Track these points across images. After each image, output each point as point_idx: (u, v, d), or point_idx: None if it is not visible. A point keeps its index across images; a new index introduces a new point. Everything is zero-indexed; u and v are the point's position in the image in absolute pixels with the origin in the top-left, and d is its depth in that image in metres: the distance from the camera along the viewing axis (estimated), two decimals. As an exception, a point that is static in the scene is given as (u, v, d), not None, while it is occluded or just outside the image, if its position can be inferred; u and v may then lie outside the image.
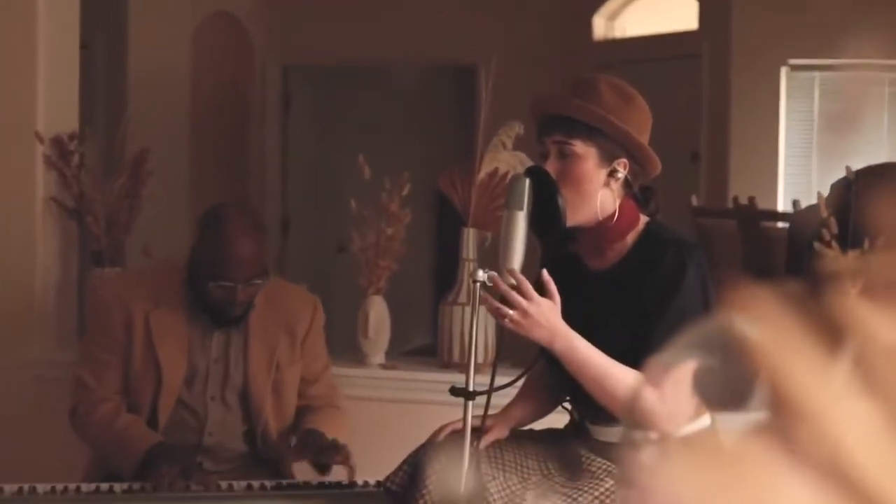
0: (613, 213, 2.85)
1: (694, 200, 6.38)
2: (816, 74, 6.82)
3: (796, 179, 6.80)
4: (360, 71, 8.16)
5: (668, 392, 2.76)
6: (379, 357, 4.27)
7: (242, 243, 3.42)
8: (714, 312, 2.57)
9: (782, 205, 6.75)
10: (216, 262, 3.42)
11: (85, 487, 3.34)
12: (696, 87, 6.97)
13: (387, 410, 4.17)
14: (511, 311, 2.75)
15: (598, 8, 7.57)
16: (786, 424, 0.97)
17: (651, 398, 2.73)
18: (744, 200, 6.12)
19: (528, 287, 2.75)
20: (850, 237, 3.76)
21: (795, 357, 0.91)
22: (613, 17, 7.68)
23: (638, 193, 2.91)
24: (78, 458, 3.82)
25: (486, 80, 4.08)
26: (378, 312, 4.24)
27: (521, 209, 2.81)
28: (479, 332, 4.09)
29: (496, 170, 4.10)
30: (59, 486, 3.30)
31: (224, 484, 3.36)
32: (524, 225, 2.81)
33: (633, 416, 2.70)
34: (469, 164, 4.13)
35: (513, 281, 2.75)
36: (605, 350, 2.85)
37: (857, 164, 4.30)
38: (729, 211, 6.16)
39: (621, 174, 2.84)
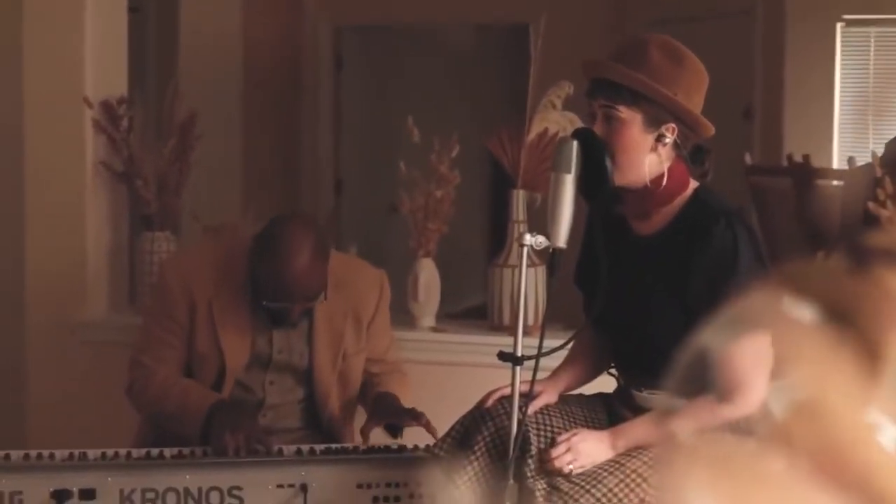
0: (661, 178, 2.82)
1: (748, 158, 6.29)
2: (872, 30, 6.70)
3: (852, 137, 6.70)
4: (412, 31, 8.11)
5: (742, 384, 2.73)
6: (429, 320, 4.26)
7: (297, 268, 3.33)
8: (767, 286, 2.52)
9: (837, 163, 6.65)
10: (270, 284, 3.38)
11: (135, 453, 3.36)
12: (750, 44, 6.86)
13: (437, 373, 4.16)
14: (572, 463, 2.80)
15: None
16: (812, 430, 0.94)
17: (728, 415, 2.74)
18: (798, 158, 6.03)
19: (560, 442, 2.83)
20: (905, 197, 3.70)
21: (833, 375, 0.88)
22: (666, -27, 7.58)
23: (689, 155, 2.87)
24: (129, 422, 3.84)
25: (535, 39, 4.04)
26: (428, 275, 4.22)
27: (569, 172, 2.79)
28: (529, 294, 4.08)
29: (546, 130, 4.07)
30: (110, 452, 3.32)
31: (274, 448, 3.36)
32: (572, 188, 2.79)
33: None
34: (518, 124, 4.09)
35: (553, 451, 2.82)
36: (654, 318, 2.82)
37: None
38: (783, 169, 6.06)
39: (669, 139, 2.81)
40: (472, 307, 6.51)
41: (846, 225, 4.22)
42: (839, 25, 6.72)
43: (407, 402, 3.54)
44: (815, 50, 6.70)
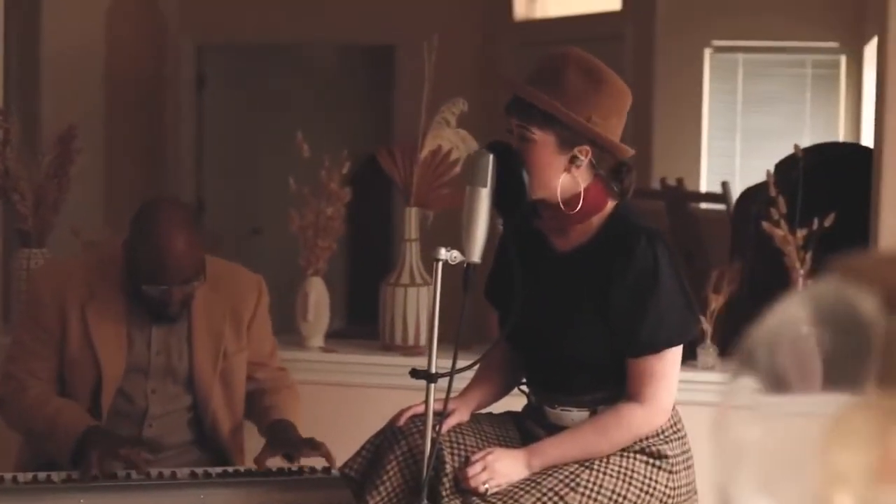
0: (577, 198, 2.79)
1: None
2: (740, 56, 6.83)
3: (720, 160, 6.81)
4: (275, 50, 8.03)
5: (657, 391, 2.77)
6: (318, 340, 4.17)
7: (175, 246, 3.26)
8: (691, 302, 2.53)
9: (706, 186, 6.76)
10: (148, 265, 3.29)
11: (22, 477, 3.21)
12: (619, 69, 6.92)
13: (327, 394, 4.07)
14: (487, 483, 2.76)
15: (519, -12, 7.51)
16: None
17: (640, 423, 2.76)
18: (671, 182, 6.11)
19: (474, 461, 2.79)
20: (798, 216, 3.74)
21: None
22: (535, -3, 7.63)
23: (611, 171, 2.84)
24: (5, 447, 3.68)
25: (429, 56, 3.99)
26: (318, 294, 4.14)
27: (485, 185, 2.75)
28: (424, 313, 4.03)
29: (439, 147, 4.02)
30: (-6, 476, 3.17)
31: (167, 471, 3.25)
32: (487, 201, 2.74)
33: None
34: (412, 141, 4.04)
35: (469, 470, 2.77)
36: (572, 335, 2.80)
37: (780, 145, 4.29)
38: (657, 192, 6.14)
39: (582, 161, 2.77)
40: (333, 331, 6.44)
41: (737, 245, 4.25)
42: (707, 51, 6.83)
43: (300, 421, 3.47)
44: (684, 75, 6.81)
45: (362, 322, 5.21)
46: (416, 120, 4.03)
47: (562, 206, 2.77)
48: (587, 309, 2.80)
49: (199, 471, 3.26)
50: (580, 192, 2.78)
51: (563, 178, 2.76)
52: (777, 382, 1.03)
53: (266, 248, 7.76)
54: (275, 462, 3.35)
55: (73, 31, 6.58)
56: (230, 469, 3.31)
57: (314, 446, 3.29)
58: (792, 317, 1.04)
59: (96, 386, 3.42)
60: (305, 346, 4.15)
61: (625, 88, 2.81)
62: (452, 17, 7.30)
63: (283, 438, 3.35)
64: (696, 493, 2.93)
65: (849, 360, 1.00)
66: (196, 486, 3.17)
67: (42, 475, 3.20)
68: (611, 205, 2.85)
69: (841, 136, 6.50)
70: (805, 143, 4.08)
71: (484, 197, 2.75)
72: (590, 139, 2.75)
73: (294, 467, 3.30)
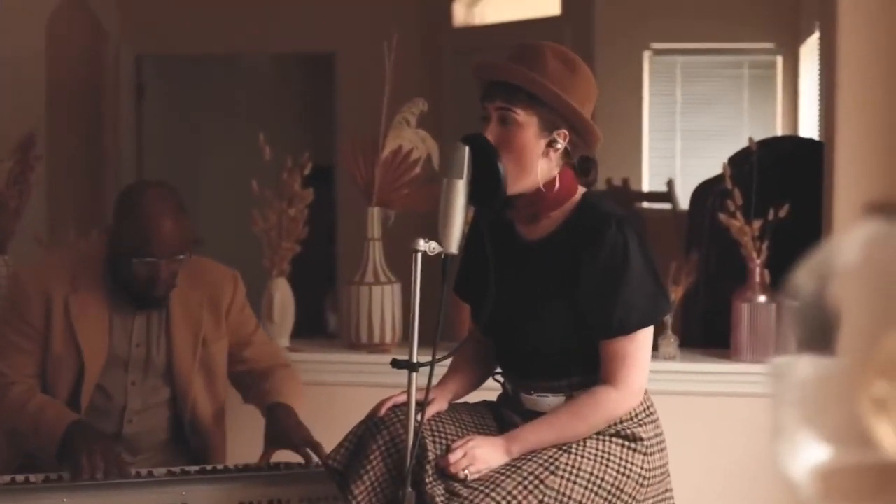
0: (553, 182, 2.86)
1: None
2: (678, 58, 6.95)
3: (661, 161, 6.93)
4: (214, 59, 8.05)
5: (630, 373, 2.84)
6: (284, 340, 4.21)
7: (164, 218, 3.35)
8: (661, 285, 2.61)
9: (648, 186, 6.86)
10: (138, 238, 3.35)
11: (1, 479, 3.23)
12: (559, 72, 7.02)
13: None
14: (467, 469, 2.82)
15: (457, -6, 7.59)
16: None
17: (614, 405, 2.83)
18: (617, 182, 6.21)
19: (456, 448, 2.84)
20: (753, 208, 3.84)
21: None
22: (473, 3, 7.70)
23: (578, 164, 2.92)
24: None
25: (388, 55, 4.05)
26: (283, 295, 4.18)
27: (461, 177, 2.81)
28: (389, 311, 4.09)
29: (400, 147, 4.08)
30: (-28, 480, 3.18)
31: (144, 471, 3.28)
32: (464, 193, 2.80)
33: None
34: (372, 141, 4.09)
35: (450, 457, 2.83)
36: (543, 321, 2.86)
37: (720, 145, 4.39)
38: (604, 192, 6.23)
39: (561, 144, 2.85)
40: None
41: (693, 237, 4.35)
42: (646, 54, 6.94)
43: (300, 400, 3.53)
44: (624, 78, 6.91)
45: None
46: (362, 123, 4.09)
47: (542, 188, 2.84)
48: (558, 295, 2.86)
49: (177, 469, 3.29)
50: (555, 177, 2.86)
51: (540, 161, 2.84)
52: (824, 316, 1.10)
53: (210, 255, 7.77)
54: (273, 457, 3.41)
55: (15, 39, 6.56)
56: (208, 467, 3.34)
57: (314, 447, 3.34)
58: (839, 253, 1.11)
59: (76, 382, 3.44)
60: (271, 346, 4.18)
61: (594, 80, 2.90)
62: (392, 24, 7.35)
63: (283, 438, 3.39)
64: (668, 474, 3.00)
65: (889, 296, 1.07)
66: (178, 484, 3.20)
67: (20, 477, 3.22)
68: (580, 192, 2.93)
69: (779, 133, 6.64)
70: (743, 142, 4.19)
71: (461, 189, 2.80)
72: (569, 122, 2.83)
73: (248, 464, 3.35)
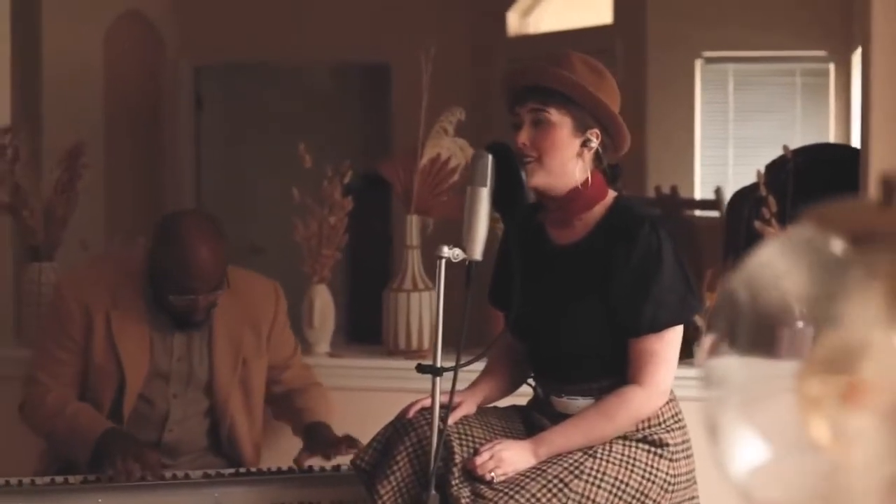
0: (585, 183, 2.91)
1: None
2: (730, 66, 6.93)
3: (713, 169, 6.91)
4: (272, 70, 8.13)
5: (658, 372, 2.86)
6: (324, 346, 4.26)
7: (201, 255, 3.36)
8: (692, 287, 2.63)
9: (700, 194, 6.85)
10: (175, 275, 3.38)
11: (39, 481, 3.30)
12: (611, 81, 7.03)
13: (335, 398, 4.15)
14: (494, 471, 2.84)
15: (511, 4, 7.61)
16: None
17: (641, 404, 2.85)
18: (666, 190, 6.21)
19: (483, 450, 2.87)
20: (788, 215, 3.84)
21: None
22: (527, 13, 7.74)
23: (607, 170, 2.97)
24: (18, 455, 3.76)
25: (426, 66, 4.09)
26: (323, 301, 4.23)
27: (485, 185, 2.85)
28: (423, 318, 4.12)
29: (438, 156, 4.12)
30: (14, 480, 3.25)
31: (180, 473, 3.34)
32: (487, 201, 2.84)
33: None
34: (411, 150, 4.13)
35: (477, 459, 2.85)
36: (581, 326, 2.89)
37: (772, 153, 4.38)
38: (652, 200, 6.24)
39: (594, 143, 2.90)
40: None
41: (730, 244, 4.36)
42: (699, 62, 6.93)
43: (333, 417, 3.60)
44: (676, 86, 6.91)
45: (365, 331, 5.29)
46: (414, 133, 4.14)
47: (580, 187, 2.88)
48: (590, 297, 2.89)
49: (212, 471, 3.35)
50: (587, 178, 2.90)
51: (573, 162, 2.89)
52: (758, 320, 1.13)
53: (267, 265, 7.84)
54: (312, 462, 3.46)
55: (74, 52, 6.68)
56: (242, 469, 3.40)
57: (351, 444, 3.38)
58: (769, 260, 1.14)
59: (119, 391, 3.51)
60: (312, 352, 4.24)
61: (616, 85, 2.96)
62: (446, 34, 7.40)
63: (320, 440, 3.45)
64: (695, 482, 3.01)
65: (819, 298, 1.10)
66: (210, 486, 3.26)
67: (59, 478, 3.30)
68: (612, 195, 2.97)
69: (832, 140, 6.60)
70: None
71: (484, 196, 2.85)
72: (601, 123, 2.88)
73: (283, 467, 3.40)
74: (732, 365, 1.13)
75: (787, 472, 1.10)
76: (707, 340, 1.15)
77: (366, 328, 4.94)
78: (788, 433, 1.09)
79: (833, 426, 1.07)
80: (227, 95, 8.31)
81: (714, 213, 6.16)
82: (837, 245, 1.10)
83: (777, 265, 1.12)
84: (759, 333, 1.12)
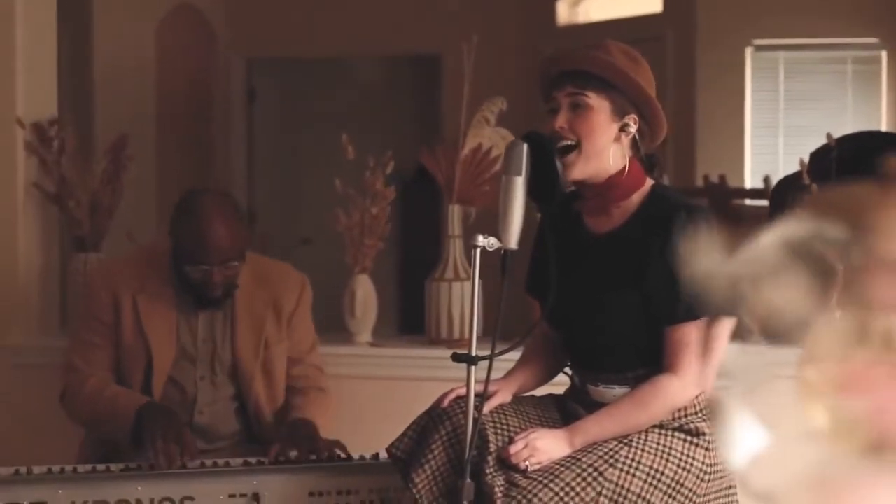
0: (623, 169, 2.90)
1: (665, 179, 6.42)
2: (781, 54, 6.88)
3: (763, 158, 6.87)
4: (323, 62, 8.15)
5: (693, 361, 2.84)
6: (366, 335, 4.28)
7: (214, 226, 3.44)
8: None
9: (750, 182, 6.81)
10: (189, 245, 3.46)
11: (81, 468, 3.34)
12: (661, 70, 7.00)
13: (376, 388, 4.18)
14: (529, 460, 2.84)
15: (561, -7, 7.61)
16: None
17: (675, 393, 2.83)
18: (714, 179, 6.18)
19: (518, 439, 2.87)
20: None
21: None
22: (577, 2, 7.72)
23: (644, 160, 2.96)
24: (62, 445, 3.81)
25: (468, 56, 4.09)
26: (365, 291, 4.25)
27: (520, 174, 2.84)
28: (463, 308, 4.13)
29: (479, 146, 4.12)
30: (56, 468, 3.29)
31: (221, 461, 3.36)
32: (522, 190, 2.84)
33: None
34: (453, 140, 4.14)
35: (511, 448, 2.85)
36: (616, 314, 2.88)
37: (822, 141, 4.34)
38: (700, 189, 6.21)
39: (632, 128, 2.89)
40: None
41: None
42: (749, 50, 6.89)
43: (324, 421, 3.58)
44: (726, 74, 6.87)
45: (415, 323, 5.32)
46: (459, 123, 4.14)
47: (617, 174, 2.87)
48: (626, 286, 2.88)
49: (253, 460, 3.37)
50: (625, 166, 2.89)
51: (612, 147, 2.88)
52: (761, 309, 1.13)
53: (317, 256, 7.87)
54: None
55: (125, 44, 6.74)
56: (281, 457, 3.41)
57: (330, 448, 3.39)
58: (767, 250, 1.14)
59: (147, 373, 3.56)
60: (354, 341, 4.26)
61: (652, 75, 2.94)
62: (496, 23, 7.40)
63: (298, 438, 3.44)
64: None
65: (817, 286, 1.10)
66: (250, 474, 3.27)
67: (101, 466, 3.33)
68: (649, 183, 2.95)
69: (883, 129, 6.54)
70: (845, 137, 4.14)
71: (519, 185, 2.84)
72: (639, 107, 2.87)
73: (344, 455, 3.41)
74: (733, 353, 1.13)
75: (784, 459, 1.10)
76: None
77: (416, 319, 4.95)
78: (785, 421, 1.09)
79: (831, 413, 1.06)
80: (279, 88, 8.35)
81: (763, 202, 6.11)
82: (832, 232, 1.10)
83: (775, 254, 1.12)
84: (762, 322, 1.12)
